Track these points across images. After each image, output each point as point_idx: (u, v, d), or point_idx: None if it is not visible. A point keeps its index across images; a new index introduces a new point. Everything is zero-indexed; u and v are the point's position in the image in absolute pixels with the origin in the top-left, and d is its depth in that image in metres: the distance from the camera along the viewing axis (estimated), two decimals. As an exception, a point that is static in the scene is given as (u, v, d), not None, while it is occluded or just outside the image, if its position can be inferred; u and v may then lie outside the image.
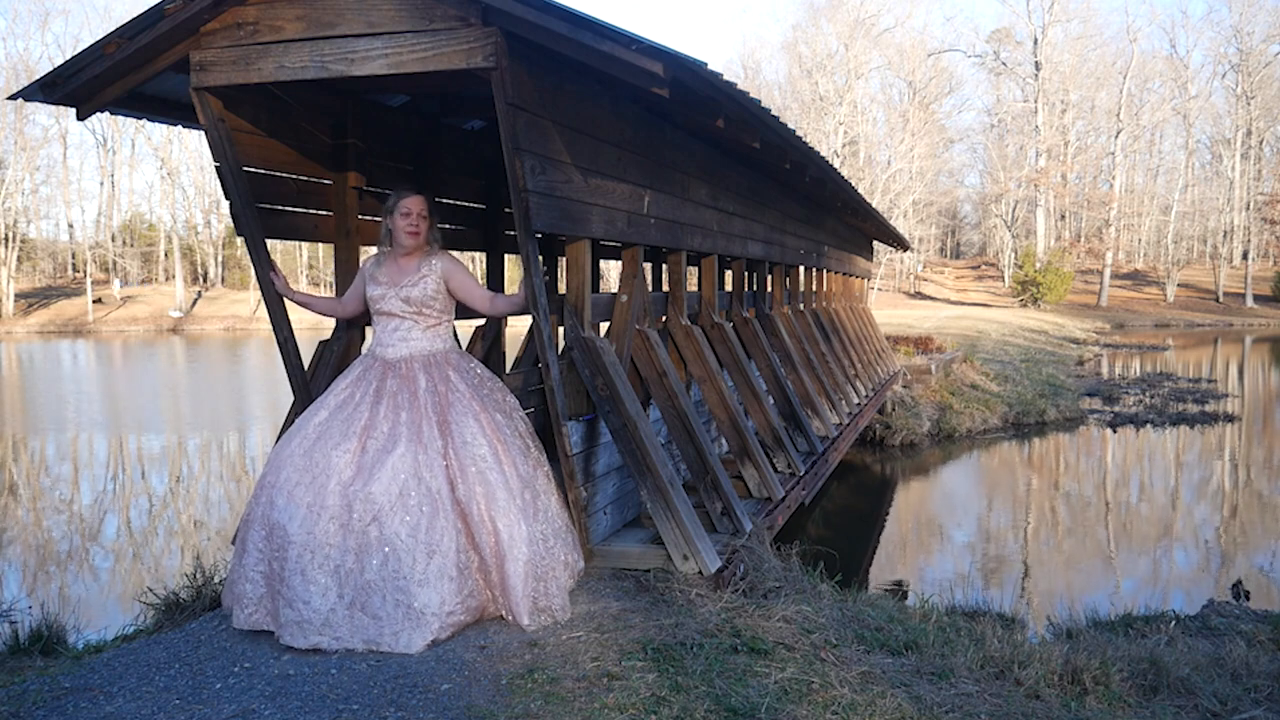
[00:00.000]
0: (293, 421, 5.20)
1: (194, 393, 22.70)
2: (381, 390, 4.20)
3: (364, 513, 3.88)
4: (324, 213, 5.40)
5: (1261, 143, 64.27)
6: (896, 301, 53.90)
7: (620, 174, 5.27)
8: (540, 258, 4.42)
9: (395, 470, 3.95)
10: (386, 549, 3.85)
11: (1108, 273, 59.02)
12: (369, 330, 5.43)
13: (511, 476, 4.11)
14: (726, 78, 4.38)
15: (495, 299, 4.56)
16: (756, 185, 8.61)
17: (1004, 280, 62.38)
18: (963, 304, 53.47)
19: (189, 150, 57.76)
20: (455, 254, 4.68)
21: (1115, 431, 16.24)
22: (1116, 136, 61.64)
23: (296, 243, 34.41)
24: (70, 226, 63.32)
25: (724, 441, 7.30)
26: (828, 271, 13.42)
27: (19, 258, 55.63)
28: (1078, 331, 38.21)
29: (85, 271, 54.57)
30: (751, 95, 4.95)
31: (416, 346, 4.32)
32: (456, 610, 3.88)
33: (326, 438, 4.07)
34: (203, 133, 4.47)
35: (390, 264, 4.40)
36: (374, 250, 4.78)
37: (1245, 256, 62.08)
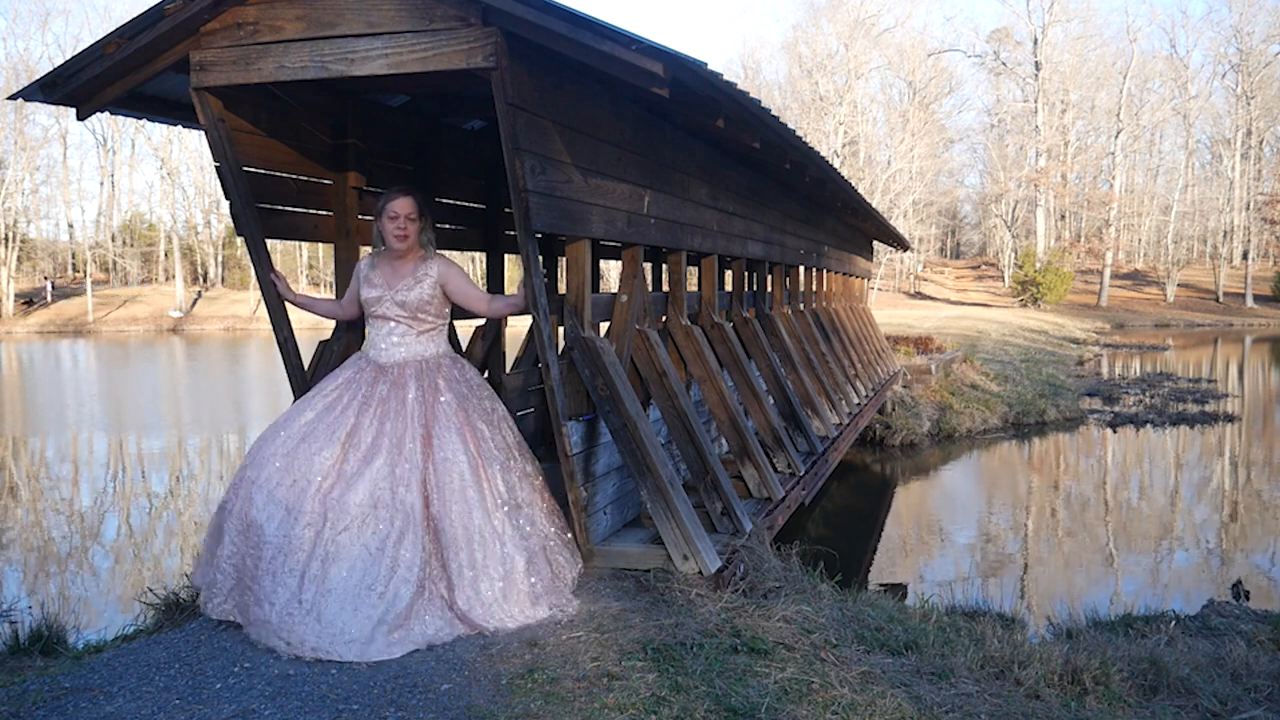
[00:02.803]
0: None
1: (194, 393, 22.70)
2: (370, 397, 4.19)
3: (337, 522, 3.89)
4: (324, 213, 5.40)
5: (1261, 143, 64.25)
6: (896, 301, 53.89)
7: (620, 174, 5.27)
8: (540, 258, 4.42)
9: (374, 482, 3.96)
10: (353, 559, 3.85)
11: (1108, 273, 59.02)
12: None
13: (488, 494, 4.10)
14: (726, 78, 4.38)
15: (494, 301, 4.55)
16: (756, 185, 8.61)
17: (1004, 280, 62.37)
18: (963, 304, 53.46)
19: (189, 150, 57.80)
20: (454, 254, 4.67)
21: (1115, 431, 16.23)
22: (1116, 136, 61.63)
23: (296, 243, 34.43)
24: (70, 226, 63.43)
25: (724, 441, 7.30)
26: (828, 271, 13.42)
27: (19, 258, 55.61)
28: (1078, 331, 38.21)
29: (85, 271, 54.54)
30: (751, 95, 4.95)
31: (411, 351, 4.30)
32: (413, 625, 3.81)
33: (311, 440, 4.07)
34: (203, 133, 4.47)
35: (385, 266, 4.38)
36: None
37: (1245, 256, 62.08)
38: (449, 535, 3.98)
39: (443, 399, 4.21)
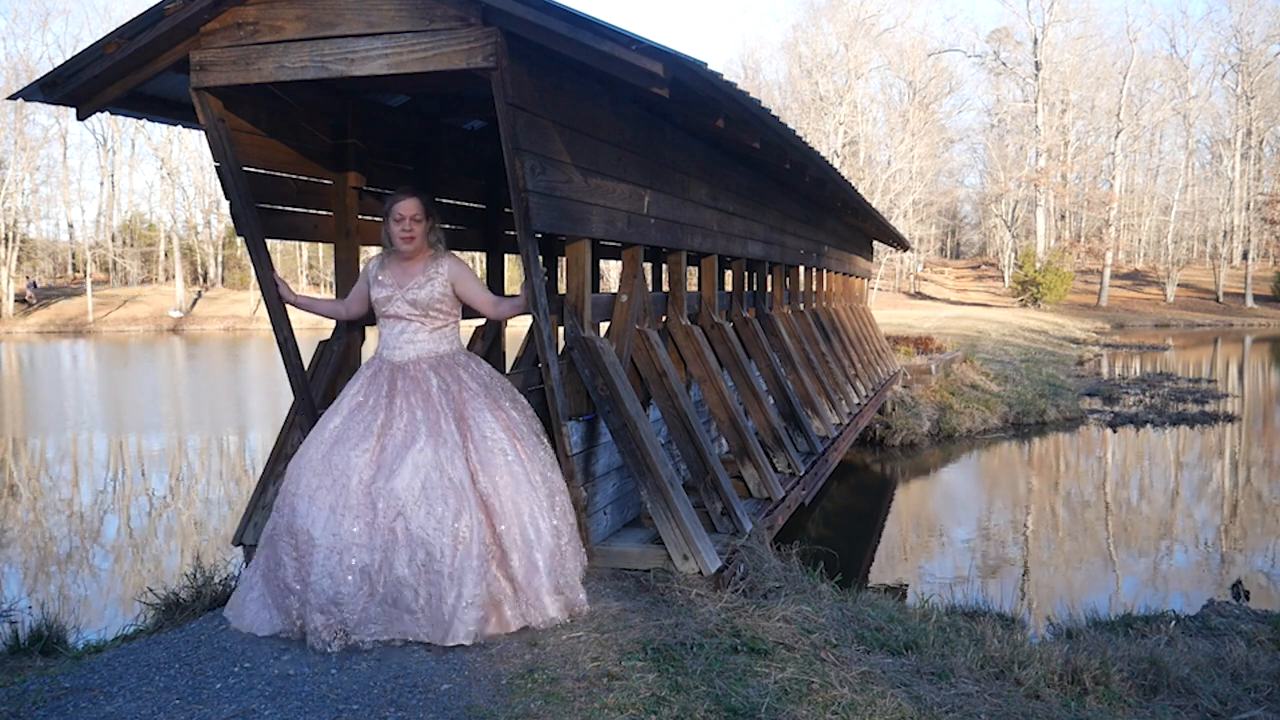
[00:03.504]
0: (293, 421, 5.20)
1: (194, 393, 22.70)
2: (394, 390, 4.18)
3: (388, 509, 3.87)
4: (324, 213, 5.39)
5: (1261, 143, 64.24)
6: (896, 301, 53.89)
7: (620, 174, 5.27)
8: (540, 258, 4.42)
9: (417, 464, 3.94)
10: (414, 544, 3.85)
11: (1108, 273, 59.01)
12: (370, 331, 5.43)
13: (532, 471, 4.12)
14: (726, 78, 4.38)
15: (499, 302, 4.56)
16: (756, 185, 8.61)
17: (1004, 280, 62.37)
18: (963, 304, 53.45)
19: (189, 150, 57.77)
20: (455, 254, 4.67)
21: (1115, 431, 16.24)
22: (1116, 136, 61.62)
23: (296, 243, 34.40)
24: (70, 226, 63.43)
25: (724, 441, 7.30)
26: (828, 271, 13.42)
27: (19, 258, 55.58)
28: (1078, 331, 38.21)
29: (85, 271, 54.52)
30: (751, 95, 4.95)
31: (424, 348, 4.30)
32: (475, 602, 3.87)
33: (344, 440, 4.05)
34: (203, 133, 4.47)
35: (394, 266, 4.39)
36: (375, 250, 4.78)
37: (1245, 256, 62.07)
38: (499, 510, 3.97)
39: (468, 386, 4.22)
